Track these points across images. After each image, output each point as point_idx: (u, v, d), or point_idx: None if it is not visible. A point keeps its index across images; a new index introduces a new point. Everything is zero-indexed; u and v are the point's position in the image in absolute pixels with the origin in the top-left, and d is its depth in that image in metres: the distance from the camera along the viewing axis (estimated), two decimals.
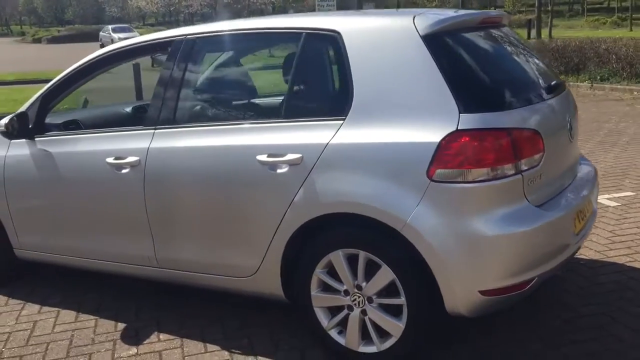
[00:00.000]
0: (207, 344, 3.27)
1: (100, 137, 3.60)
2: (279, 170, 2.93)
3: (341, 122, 2.85)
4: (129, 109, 4.57)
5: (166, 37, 3.50)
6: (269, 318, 3.48)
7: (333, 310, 3.01)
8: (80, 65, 3.76)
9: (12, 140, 3.89)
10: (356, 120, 2.82)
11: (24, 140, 3.83)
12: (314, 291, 3.00)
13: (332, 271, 2.95)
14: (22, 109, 3.89)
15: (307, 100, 3.08)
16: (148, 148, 3.32)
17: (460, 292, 2.63)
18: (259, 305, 3.53)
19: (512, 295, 2.69)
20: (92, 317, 3.67)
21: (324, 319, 3.01)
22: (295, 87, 3.06)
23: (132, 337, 3.40)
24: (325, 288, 2.99)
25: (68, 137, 3.75)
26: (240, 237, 3.11)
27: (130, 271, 3.61)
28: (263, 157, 2.97)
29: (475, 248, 2.59)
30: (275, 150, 2.95)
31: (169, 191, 3.28)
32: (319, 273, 2.96)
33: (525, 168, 2.68)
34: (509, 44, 3.30)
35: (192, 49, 3.36)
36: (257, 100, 3.70)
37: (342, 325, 2.99)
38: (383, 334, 2.88)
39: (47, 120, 3.88)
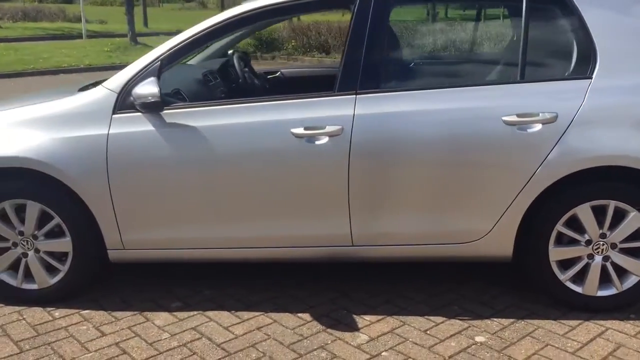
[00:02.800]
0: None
1: (269, 106, 3.11)
2: (529, 130, 2.95)
3: (589, 80, 2.97)
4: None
5: None
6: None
7: (566, 263, 3.14)
8: (217, 23, 3.17)
9: (115, 115, 3.12)
10: (604, 78, 2.97)
11: (136, 114, 3.10)
12: (552, 246, 3.09)
13: (572, 224, 3.08)
14: (129, 74, 3.14)
15: (547, 61, 3.11)
16: (353, 115, 3.00)
17: None
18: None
19: None
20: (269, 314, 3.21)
21: (559, 272, 3.13)
22: (534, 49, 3.06)
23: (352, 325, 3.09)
24: (564, 241, 3.11)
25: (213, 107, 3.15)
26: (472, 201, 3.05)
27: (301, 254, 3.23)
28: (511, 118, 2.94)
29: None
30: (526, 110, 2.95)
31: (383, 160, 3.02)
32: (559, 227, 3.07)
33: None
34: None
35: (389, 2, 3.10)
36: (484, 60, 3.52)
37: (578, 275, 3.14)
38: (623, 276, 3.12)
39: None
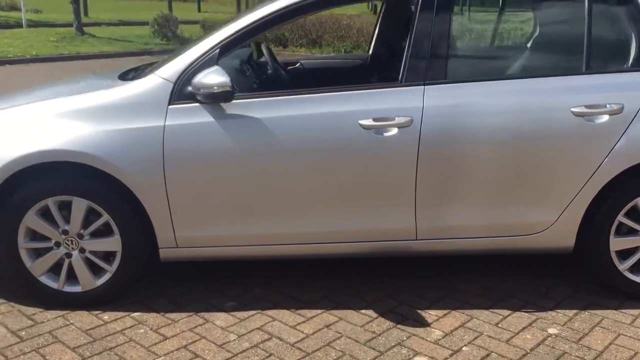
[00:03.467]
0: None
1: (335, 97, 3.01)
2: (597, 122, 2.97)
3: None
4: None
5: None
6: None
7: (624, 253, 3.18)
8: (278, 10, 3.04)
9: (172, 106, 2.96)
10: None
11: (194, 104, 2.95)
12: (613, 236, 3.13)
13: (631, 215, 3.12)
14: (185, 62, 2.98)
15: (610, 52, 3.13)
16: (423, 106, 2.95)
17: None
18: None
19: None
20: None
21: (618, 262, 3.17)
22: (598, 40, 3.07)
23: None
24: (622, 232, 3.14)
25: (277, 98, 3.02)
26: (538, 192, 3.05)
27: (363, 250, 3.15)
28: (579, 109, 2.96)
29: None
30: (594, 102, 2.97)
31: (452, 152, 2.98)
32: (620, 218, 3.10)
33: None
34: None
35: None
36: (549, 50, 3.46)
37: (635, 265, 3.18)
38: None
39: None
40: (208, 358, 2.70)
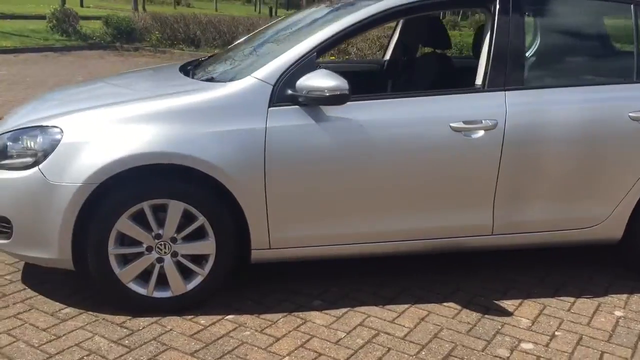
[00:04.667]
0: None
1: (427, 100, 3.16)
2: None
3: None
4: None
5: None
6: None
7: None
8: (378, 13, 3.15)
9: (272, 108, 2.98)
10: None
11: (293, 106, 2.99)
12: None
13: None
14: (283, 64, 3.01)
15: None
16: (506, 110, 3.17)
17: None
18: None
19: None
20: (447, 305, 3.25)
21: None
22: None
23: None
24: None
25: (373, 100, 3.12)
26: (599, 188, 3.34)
27: (441, 245, 3.31)
28: (636, 114, 3.29)
29: None
30: None
31: (529, 152, 3.22)
32: None
33: None
34: None
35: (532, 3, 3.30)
36: (610, 57, 3.68)
37: None
38: None
39: None
40: (333, 355, 2.75)
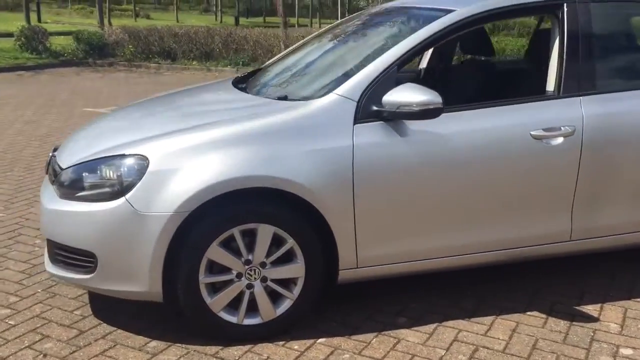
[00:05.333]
0: None
1: (507, 109, 3.14)
2: None
3: None
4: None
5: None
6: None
7: None
8: (451, 24, 3.11)
9: (357, 124, 2.92)
10: None
11: (377, 122, 2.94)
12: None
13: None
14: (365, 80, 2.95)
15: None
16: (582, 116, 3.17)
17: None
18: None
19: None
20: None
21: None
22: None
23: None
24: None
25: (457, 112, 3.08)
26: None
27: (522, 255, 3.29)
28: None
29: None
30: None
31: (606, 157, 3.22)
32: None
33: None
34: None
35: (599, 9, 3.31)
36: None
37: None
38: None
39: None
40: None
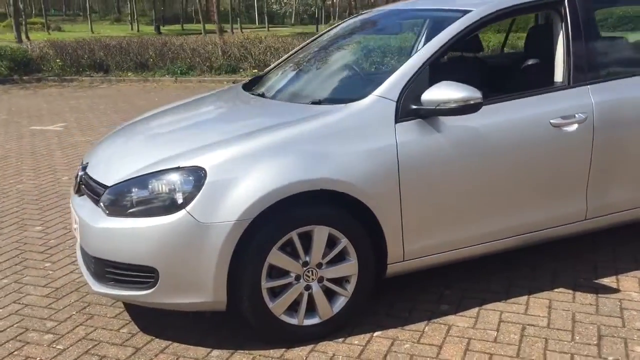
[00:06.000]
0: None
1: (529, 100, 3.34)
2: None
3: None
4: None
5: None
6: None
7: None
8: (473, 23, 3.30)
9: (398, 123, 3.05)
10: None
11: (415, 120, 3.08)
12: None
13: None
14: (401, 80, 3.09)
15: None
16: (592, 103, 3.42)
17: None
18: None
19: None
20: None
21: None
22: None
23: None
24: None
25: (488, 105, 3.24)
26: None
27: (541, 237, 3.49)
28: None
29: None
30: None
31: (617, 138, 3.48)
32: None
33: None
34: None
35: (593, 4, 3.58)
36: None
37: None
38: None
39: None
40: (502, 353, 2.87)
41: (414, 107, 3.05)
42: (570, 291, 3.44)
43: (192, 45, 14.71)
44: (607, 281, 3.55)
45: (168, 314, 3.21)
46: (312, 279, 2.96)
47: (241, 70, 14.26)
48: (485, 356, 2.86)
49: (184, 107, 3.98)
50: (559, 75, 3.49)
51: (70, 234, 4.49)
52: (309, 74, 3.78)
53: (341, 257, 3.01)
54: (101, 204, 2.98)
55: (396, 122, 3.04)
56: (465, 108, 2.99)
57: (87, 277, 3.13)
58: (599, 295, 3.39)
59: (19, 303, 3.52)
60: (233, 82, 13.32)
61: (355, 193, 2.92)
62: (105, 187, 3.01)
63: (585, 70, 3.46)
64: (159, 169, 2.89)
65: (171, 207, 2.79)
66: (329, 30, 4.40)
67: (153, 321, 3.24)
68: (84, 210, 3.11)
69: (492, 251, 3.43)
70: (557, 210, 3.45)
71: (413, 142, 3.04)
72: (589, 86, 3.44)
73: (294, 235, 2.87)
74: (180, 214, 2.76)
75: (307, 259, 2.93)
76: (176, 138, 3.29)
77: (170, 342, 3.06)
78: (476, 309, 3.28)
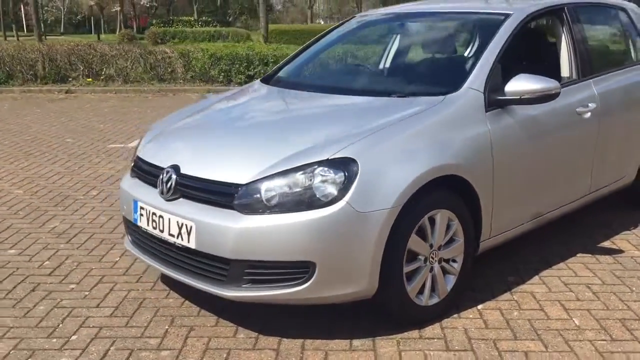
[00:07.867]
0: None
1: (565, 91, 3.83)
2: None
3: None
4: None
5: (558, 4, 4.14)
6: None
7: None
8: (522, 21, 3.81)
9: (487, 112, 3.39)
10: None
11: (498, 109, 3.44)
12: None
13: None
14: (484, 72, 3.44)
15: None
16: (596, 94, 4.07)
17: None
18: None
19: None
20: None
21: None
22: None
23: None
24: None
25: None
26: None
27: (560, 212, 4.05)
28: None
29: None
30: None
31: (617, 120, 4.20)
32: None
33: None
34: None
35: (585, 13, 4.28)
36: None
37: None
38: None
39: None
40: (603, 302, 3.32)
41: (498, 97, 3.38)
42: (591, 255, 4.02)
43: (12, 52, 13.30)
44: (607, 245, 4.19)
45: (269, 313, 3.18)
46: (435, 260, 3.14)
47: (71, 79, 13.26)
48: (584, 312, 3.28)
49: (251, 99, 4.04)
50: (567, 71, 4.07)
51: None
52: (387, 69, 4.23)
53: (451, 238, 3.23)
54: (236, 202, 2.85)
55: (486, 110, 3.35)
56: (547, 97, 3.40)
57: (202, 285, 2.96)
58: (615, 256, 4.02)
59: None
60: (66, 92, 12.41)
61: (470, 177, 3.18)
62: (236, 185, 2.88)
63: (588, 66, 4.11)
64: (305, 163, 2.85)
65: (325, 199, 2.79)
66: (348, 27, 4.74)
67: (262, 320, 3.18)
68: (195, 214, 2.93)
69: (551, 219, 3.94)
70: (579, 185, 4.06)
71: (500, 129, 3.37)
72: (592, 80, 4.09)
73: (425, 219, 3.04)
74: (339, 205, 2.78)
75: (432, 242, 3.11)
76: (294, 130, 3.26)
77: (302, 339, 3.02)
78: (545, 278, 3.70)
